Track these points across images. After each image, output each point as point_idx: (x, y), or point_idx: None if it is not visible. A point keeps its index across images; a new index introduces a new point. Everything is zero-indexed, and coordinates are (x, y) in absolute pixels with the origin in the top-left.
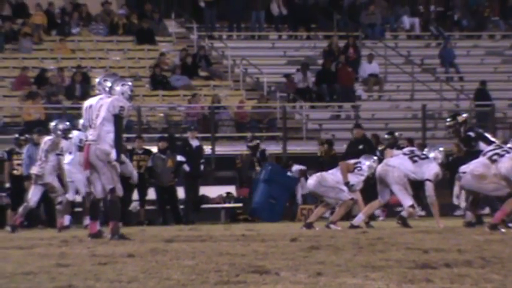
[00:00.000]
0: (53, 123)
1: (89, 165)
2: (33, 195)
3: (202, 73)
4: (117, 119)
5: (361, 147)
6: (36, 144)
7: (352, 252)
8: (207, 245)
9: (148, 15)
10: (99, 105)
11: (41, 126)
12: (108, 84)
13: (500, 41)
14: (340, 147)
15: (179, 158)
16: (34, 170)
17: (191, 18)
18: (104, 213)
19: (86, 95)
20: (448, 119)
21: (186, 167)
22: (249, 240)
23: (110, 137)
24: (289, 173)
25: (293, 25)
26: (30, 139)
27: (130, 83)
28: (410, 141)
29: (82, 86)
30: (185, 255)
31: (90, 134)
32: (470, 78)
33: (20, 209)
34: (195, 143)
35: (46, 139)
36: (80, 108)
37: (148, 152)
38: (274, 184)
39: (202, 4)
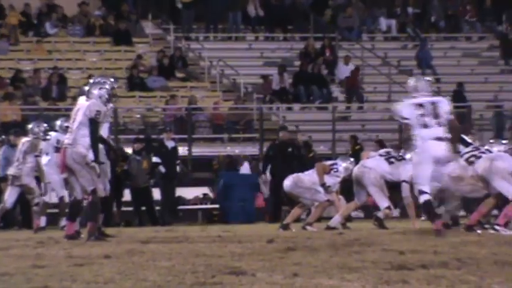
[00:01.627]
0: (31, 125)
1: (65, 168)
2: (9, 196)
3: (179, 74)
4: (93, 122)
5: (290, 149)
6: (13, 146)
7: (328, 254)
8: (184, 246)
9: (125, 17)
10: (77, 109)
11: (17, 128)
12: (86, 88)
13: (477, 43)
14: (317, 149)
15: (155, 159)
16: (11, 171)
17: (168, 20)
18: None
19: (62, 96)
20: None
21: (162, 168)
22: (226, 241)
23: (86, 140)
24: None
25: (270, 26)
26: (7, 140)
27: (109, 83)
28: (380, 143)
29: (58, 87)
30: (161, 257)
31: (67, 138)
32: (447, 80)
33: None
34: (170, 144)
35: (24, 140)
36: (56, 110)
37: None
38: (236, 188)
39: (179, 5)
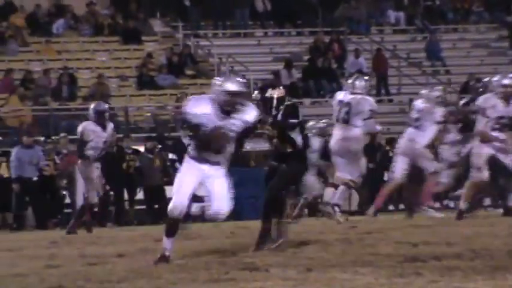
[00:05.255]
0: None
1: None
2: None
3: (189, 72)
4: None
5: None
6: (26, 147)
7: (341, 248)
8: (197, 243)
9: (133, 15)
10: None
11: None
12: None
13: (486, 34)
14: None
15: (171, 156)
16: None
17: (176, 17)
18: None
19: (73, 96)
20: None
21: (179, 165)
22: (239, 237)
23: None
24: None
25: (278, 21)
26: (19, 141)
27: None
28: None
29: (69, 87)
30: (175, 254)
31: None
32: (457, 71)
33: None
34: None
35: None
36: (66, 109)
37: (137, 152)
38: (246, 184)
39: (187, 3)
